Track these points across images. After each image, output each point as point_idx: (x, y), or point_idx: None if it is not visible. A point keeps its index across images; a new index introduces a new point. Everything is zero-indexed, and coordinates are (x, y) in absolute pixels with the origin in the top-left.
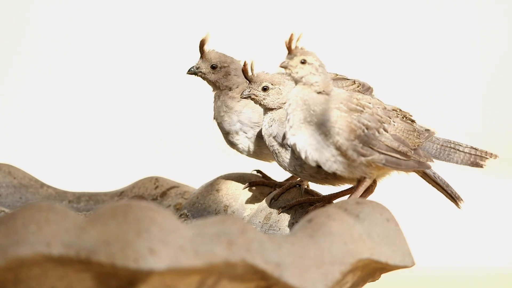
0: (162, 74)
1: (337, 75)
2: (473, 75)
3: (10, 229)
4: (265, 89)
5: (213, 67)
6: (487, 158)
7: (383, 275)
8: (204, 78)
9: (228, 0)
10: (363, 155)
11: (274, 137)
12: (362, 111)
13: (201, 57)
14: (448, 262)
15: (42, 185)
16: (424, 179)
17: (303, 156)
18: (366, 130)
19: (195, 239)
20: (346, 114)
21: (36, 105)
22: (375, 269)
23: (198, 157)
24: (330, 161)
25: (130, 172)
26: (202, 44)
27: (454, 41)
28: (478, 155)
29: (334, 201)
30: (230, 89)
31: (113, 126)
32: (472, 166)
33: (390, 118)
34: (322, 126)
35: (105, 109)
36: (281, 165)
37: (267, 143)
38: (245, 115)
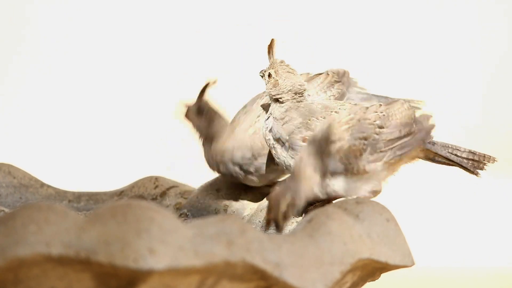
0: (162, 74)
1: (309, 74)
2: (473, 75)
3: (9, 229)
4: (269, 75)
5: (199, 112)
6: (485, 164)
7: (383, 275)
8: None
9: (228, 1)
10: (374, 162)
11: (269, 131)
12: (354, 126)
13: (197, 99)
14: (448, 262)
15: (42, 184)
16: (438, 162)
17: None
18: (366, 141)
19: (195, 239)
20: (344, 140)
21: (36, 105)
22: (375, 269)
23: (198, 157)
24: (360, 189)
25: (130, 172)
26: (205, 87)
27: (454, 41)
28: (476, 160)
29: (334, 201)
30: (212, 139)
31: (113, 126)
32: (469, 173)
33: (377, 112)
34: (331, 164)
35: (105, 109)
36: (277, 161)
37: (263, 136)
38: (236, 157)
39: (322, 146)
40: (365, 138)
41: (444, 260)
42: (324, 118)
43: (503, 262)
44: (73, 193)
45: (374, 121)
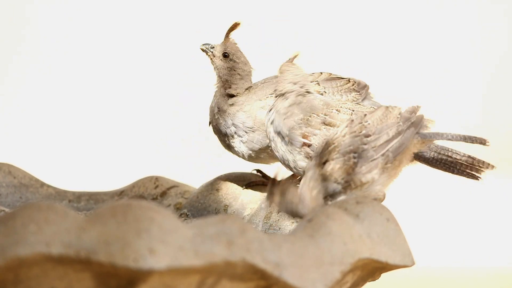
0: (162, 74)
1: (331, 74)
2: (473, 75)
3: (9, 229)
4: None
5: (225, 55)
6: (483, 171)
7: (383, 275)
8: (211, 61)
9: (228, 1)
10: (369, 171)
11: (271, 123)
12: (340, 144)
13: (223, 40)
14: (448, 262)
15: (42, 184)
16: (437, 166)
17: None
18: (355, 154)
19: (195, 239)
20: (333, 161)
21: (36, 105)
22: (375, 269)
23: (198, 157)
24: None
25: (130, 171)
26: (232, 28)
27: (454, 41)
28: (475, 166)
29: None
30: (230, 86)
31: (113, 126)
32: (468, 177)
33: (362, 123)
34: (329, 186)
35: (105, 109)
36: (276, 154)
37: (265, 128)
38: (239, 119)
39: (316, 172)
40: (354, 151)
41: (444, 260)
42: (325, 115)
43: (503, 262)
44: (73, 193)
45: (360, 132)
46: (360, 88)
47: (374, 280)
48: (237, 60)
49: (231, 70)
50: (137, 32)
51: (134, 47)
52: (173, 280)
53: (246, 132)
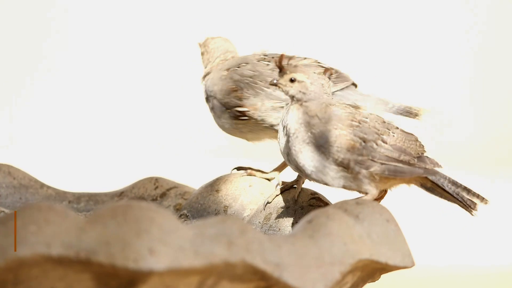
0: (162, 74)
1: (317, 61)
2: (473, 75)
3: (9, 230)
4: (292, 80)
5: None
6: (476, 204)
7: (383, 276)
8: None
9: (228, 1)
10: (365, 168)
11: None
12: (358, 125)
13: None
14: (448, 262)
15: (42, 185)
16: (433, 193)
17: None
18: (363, 143)
19: (195, 240)
20: (344, 132)
21: (36, 105)
22: (375, 270)
23: (198, 157)
24: (336, 178)
25: (130, 172)
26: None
27: (453, 41)
28: (468, 199)
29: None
30: (205, 67)
31: (113, 127)
32: (465, 210)
33: (389, 130)
34: (321, 147)
35: (105, 109)
36: (279, 146)
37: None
38: (206, 85)
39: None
40: (364, 140)
41: (444, 260)
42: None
43: (503, 261)
44: (73, 193)
45: (382, 134)
46: (338, 79)
47: (374, 281)
48: (202, 46)
49: (202, 55)
50: (137, 32)
51: (134, 47)
52: (173, 281)
53: (211, 96)
